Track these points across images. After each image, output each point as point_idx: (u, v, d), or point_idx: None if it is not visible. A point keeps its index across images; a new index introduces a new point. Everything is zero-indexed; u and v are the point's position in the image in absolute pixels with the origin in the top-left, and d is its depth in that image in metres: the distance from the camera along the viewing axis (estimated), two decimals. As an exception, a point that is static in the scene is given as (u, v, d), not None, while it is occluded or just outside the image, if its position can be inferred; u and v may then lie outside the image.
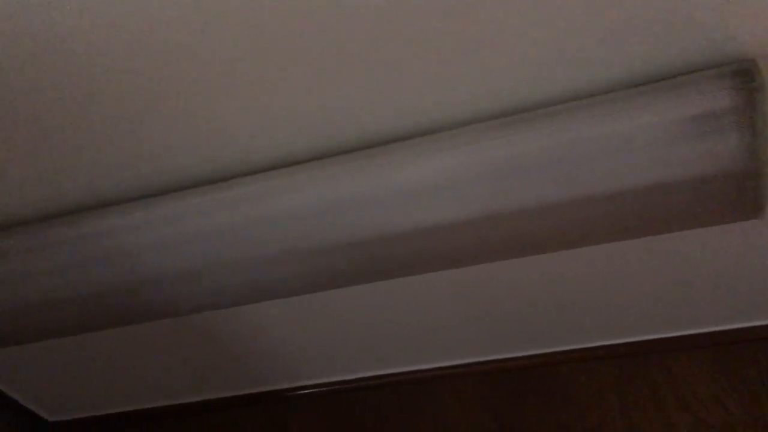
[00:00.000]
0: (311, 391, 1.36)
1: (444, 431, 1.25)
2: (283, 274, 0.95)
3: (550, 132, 0.80)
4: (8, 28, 0.72)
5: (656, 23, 0.72)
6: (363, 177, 0.86)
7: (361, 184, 0.86)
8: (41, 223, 0.97)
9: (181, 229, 0.92)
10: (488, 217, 0.85)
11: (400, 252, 0.91)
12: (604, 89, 0.79)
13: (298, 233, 0.89)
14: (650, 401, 1.15)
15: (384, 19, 0.72)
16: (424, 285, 1.12)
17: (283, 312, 1.20)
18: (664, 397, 1.14)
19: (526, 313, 1.18)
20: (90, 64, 0.76)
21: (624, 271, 1.09)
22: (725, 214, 0.84)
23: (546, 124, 0.80)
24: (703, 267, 1.06)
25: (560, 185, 0.82)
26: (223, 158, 0.91)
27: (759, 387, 1.11)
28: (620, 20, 0.73)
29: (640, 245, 1.01)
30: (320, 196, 0.88)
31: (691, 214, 0.83)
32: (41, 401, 1.49)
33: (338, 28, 0.73)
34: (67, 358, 1.34)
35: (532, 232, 0.88)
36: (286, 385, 1.38)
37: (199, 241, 0.92)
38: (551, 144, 0.80)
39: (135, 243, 0.94)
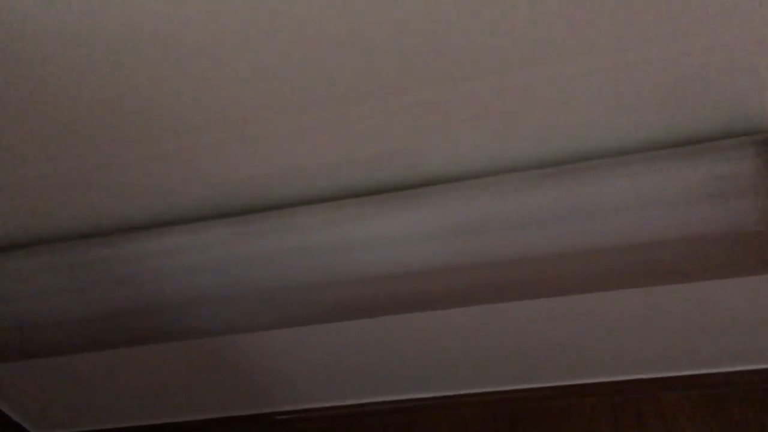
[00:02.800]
0: (311, 414, 1.37)
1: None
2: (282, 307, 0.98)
3: (577, 185, 0.84)
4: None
5: (700, 94, 0.77)
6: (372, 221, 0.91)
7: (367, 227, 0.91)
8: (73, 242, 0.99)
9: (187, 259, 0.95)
10: (513, 262, 0.89)
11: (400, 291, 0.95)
12: (635, 149, 0.83)
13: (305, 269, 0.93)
14: (642, 439, 1.20)
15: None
16: (429, 316, 1.14)
17: (283, 333, 1.21)
18: (655, 435, 1.19)
19: (526, 348, 1.22)
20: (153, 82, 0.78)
21: (622, 312, 1.13)
22: (736, 270, 0.89)
23: (575, 178, 0.84)
24: (697, 312, 1.11)
25: (581, 236, 0.86)
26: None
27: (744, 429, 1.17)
28: (661, 87, 0.78)
29: (638, 290, 1.07)
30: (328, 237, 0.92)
31: (705, 267, 0.88)
32: (28, 415, 1.47)
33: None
34: (54, 372, 1.33)
35: (550, 277, 0.92)
36: (284, 408, 1.39)
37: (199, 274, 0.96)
38: (576, 196, 0.85)
39: (161, 267, 0.96)
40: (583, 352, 1.22)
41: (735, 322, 1.13)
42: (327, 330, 1.17)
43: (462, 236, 0.88)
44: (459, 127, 0.84)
